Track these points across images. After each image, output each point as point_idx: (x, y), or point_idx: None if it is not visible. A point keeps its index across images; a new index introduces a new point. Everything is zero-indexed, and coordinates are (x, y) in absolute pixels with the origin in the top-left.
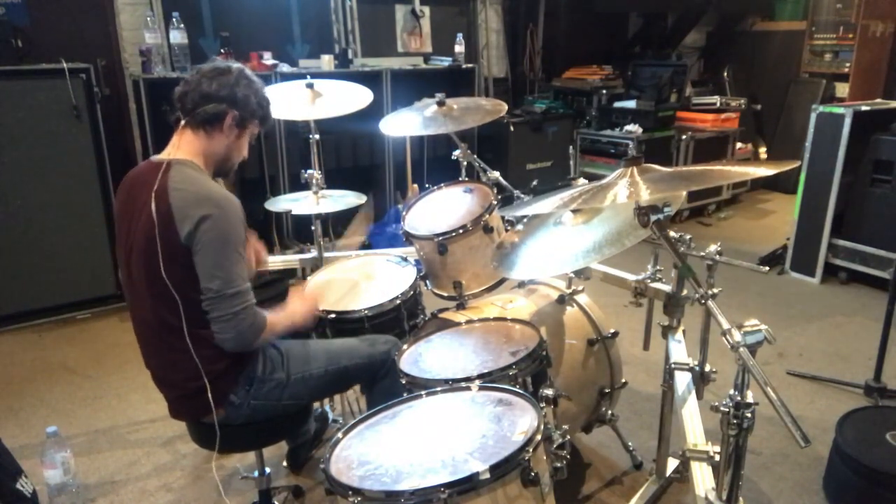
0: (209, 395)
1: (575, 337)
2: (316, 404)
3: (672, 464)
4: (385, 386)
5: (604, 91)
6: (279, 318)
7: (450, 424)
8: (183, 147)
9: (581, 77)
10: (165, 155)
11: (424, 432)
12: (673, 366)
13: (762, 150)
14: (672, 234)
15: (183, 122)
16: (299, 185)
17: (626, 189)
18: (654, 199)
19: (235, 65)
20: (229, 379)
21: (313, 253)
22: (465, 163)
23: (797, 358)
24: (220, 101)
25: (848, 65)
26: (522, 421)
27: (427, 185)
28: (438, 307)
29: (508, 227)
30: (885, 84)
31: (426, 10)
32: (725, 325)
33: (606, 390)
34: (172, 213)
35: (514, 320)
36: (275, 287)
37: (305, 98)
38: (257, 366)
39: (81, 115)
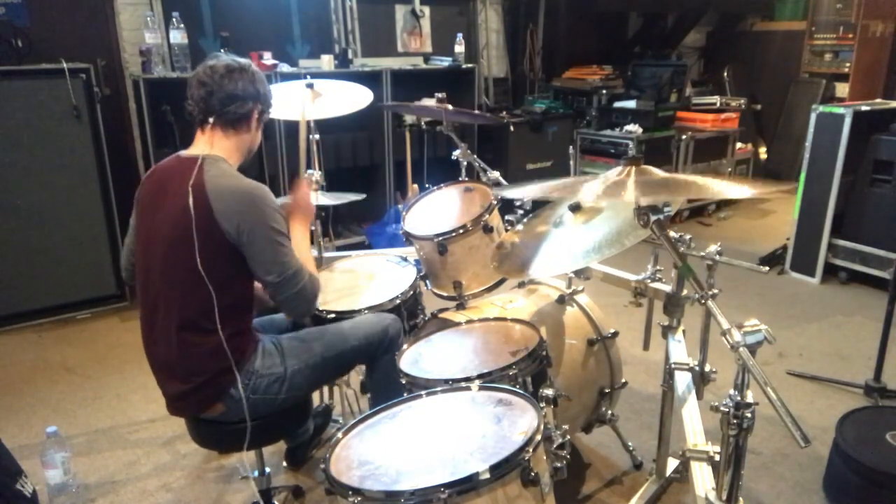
0: (213, 388)
1: (575, 337)
2: (318, 400)
3: (672, 464)
4: (386, 362)
5: (604, 91)
6: (300, 251)
7: (450, 424)
8: (216, 145)
9: (581, 77)
10: (195, 151)
11: (424, 432)
12: (673, 366)
13: (762, 150)
14: (672, 234)
15: (211, 122)
16: None
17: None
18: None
19: (244, 60)
20: (229, 372)
21: (313, 253)
22: (465, 163)
23: (797, 358)
24: (246, 99)
25: (848, 65)
26: (522, 421)
27: (427, 185)
28: (438, 307)
29: (508, 227)
30: (885, 84)
31: (426, 10)
32: (725, 325)
33: (606, 390)
34: (213, 209)
35: (514, 320)
36: None
37: (305, 98)
38: (256, 360)
39: (81, 115)
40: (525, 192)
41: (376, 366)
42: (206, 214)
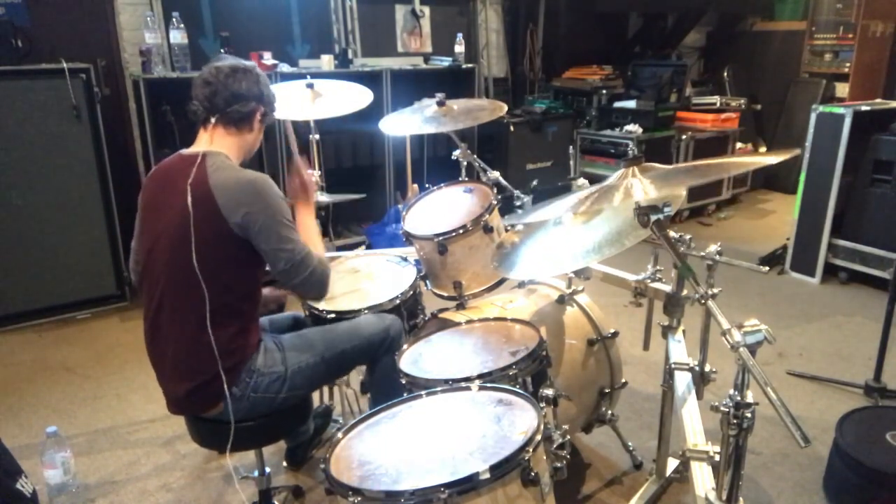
0: (225, 385)
1: (575, 337)
2: (318, 401)
3: (672, 464)
4: (386, 362)
5: (604, 91)
6: (309, 236)
7: (450, 424)
8: (216, 141)
9: (581, 77)
10: (196, 148)
11: (424, 432)
12: (673, 366)
13: (762, 151)
14: (672, 234)
15: (214, 121)
16: None
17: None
18: (654, 198)
19: (249, 62)
20: (233, 370)
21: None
22: (465, 163)
23: (797, 358)
24: (249, 99)
25: (848, 65)
26: (522, 421)
27: (427, 185)
28: (438, 307)
29: (508, 227)
30: (885, 84)
31: (426, 10)
32: (725, 325)
33: (606, 390)
34: (217, 203)
35: (514, 320)
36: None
37: (305, 98)
38: (258, 359)
39: (81, 115)
40: (549, 213)
41: (377, 366)
42: (209, 211)
